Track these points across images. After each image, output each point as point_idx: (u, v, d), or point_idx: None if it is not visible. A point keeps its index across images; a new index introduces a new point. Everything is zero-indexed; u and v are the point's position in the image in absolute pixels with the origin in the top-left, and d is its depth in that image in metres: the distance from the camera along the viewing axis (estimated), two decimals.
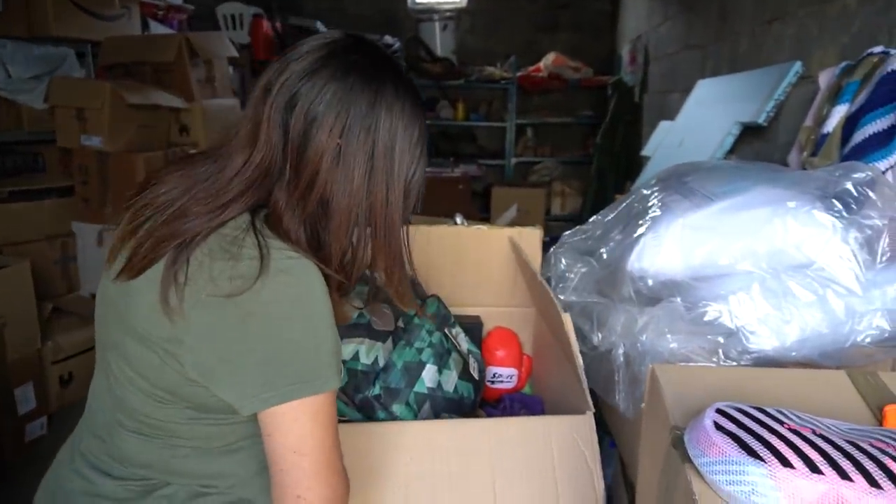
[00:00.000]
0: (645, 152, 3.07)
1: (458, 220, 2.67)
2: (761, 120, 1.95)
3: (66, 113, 2.70)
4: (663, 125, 2.98)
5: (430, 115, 5.13)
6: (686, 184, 1.22)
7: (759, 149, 2.09)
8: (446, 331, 1.24)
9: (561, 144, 5.29)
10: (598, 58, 5.04)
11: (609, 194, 3.83)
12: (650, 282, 1.08)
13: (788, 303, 0.96)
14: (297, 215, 0.71)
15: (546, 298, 1.12)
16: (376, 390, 1.08)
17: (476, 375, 1.25)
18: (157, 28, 3.67)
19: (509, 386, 1.45)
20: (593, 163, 4.54)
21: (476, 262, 1.42)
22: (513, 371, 1.44)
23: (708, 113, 2.41)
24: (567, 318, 1.01)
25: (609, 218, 1.40)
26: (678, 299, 1.03)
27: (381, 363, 1.10)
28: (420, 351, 1.14)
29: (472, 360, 1.26)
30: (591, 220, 1.48)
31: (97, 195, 2.75)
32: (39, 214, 2.68)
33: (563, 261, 1.38)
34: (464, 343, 1.28)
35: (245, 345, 0.66)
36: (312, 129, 0.71)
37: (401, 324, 1.17)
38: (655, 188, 1.30)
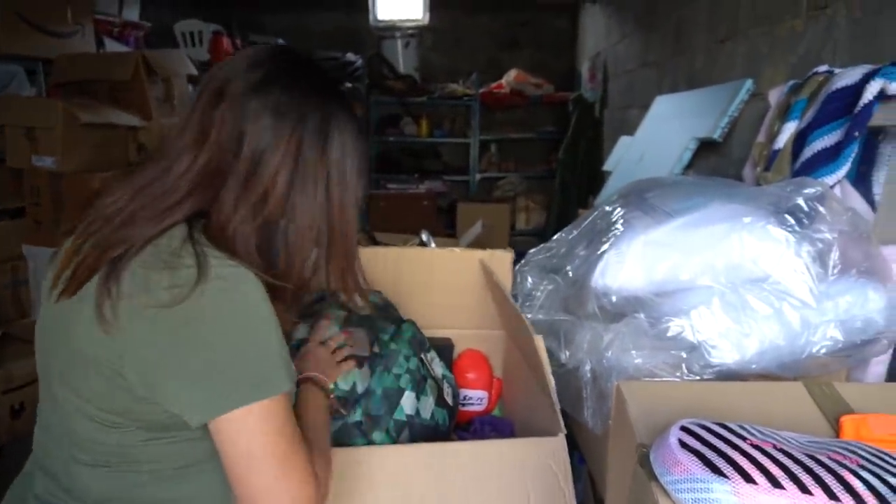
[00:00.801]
0: (606, 167, 3.13)
1: (424, 236, 2.68)
2: (716, 135, 2.01)
3: (16, 132, 2.62)
4: (623, 140, 3.04)
5: (394, 131, 5.14)
6: (646, 200, 1.24)
7: (716, 164, 2.15)
8: (422, 356, 1.22)
9: (524, 160, 5.35)
10: (559, 74, 5.13)
11: (573, 208, 3.88)
12: (614, 298, 1.09)
13: (747, 316, 0.98)
14: (247, 224, 0.72)
15: (517, 321, 1.12)
16: (357, 416, 1.06)
17: (450, 401, 1.24)
18: (112, 46, 3.60)
19: (479, 408, 1.44)
20: (556, 178, 4.61)
21: (446, 284, 1.41)
22: (483, 394, 1.43)
23: (666, 128, 2.47)
24: (539, 341, 1.01)
25: (573, 235, 1.42)
26: (642, 315, 1.04)
27: (360, 389, 1.08)
28: (398, 377, 1.13)
29: (446, 386, 1.25)
30: (555, 237, 1.50)
31: (49, 217, 2.66)
32: None
33: (529, 279, 1.39)
34: (438, 368, 1.26)
35: (186, 354, 0.65)
36: (268, 142, 0.72)
37: (376, 349, 1.15)
38: (617, 205, 1.32)
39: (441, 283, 1.41)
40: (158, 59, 3.10)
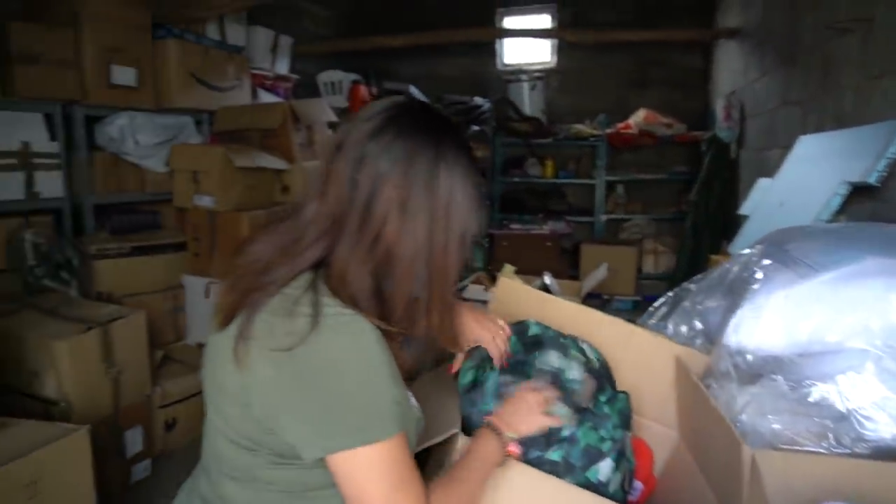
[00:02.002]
0: (743, 211, 2.94)
1: (547, 279, 2.66)
2: (873, 180, 1.83)
3: (183, 176, 2.96)
4: (762, 183, 2.86)
5: (518, 172, 5.19)
6: (788, 252, 1.16)
7: (872, 210, 1.96)
8: (626, 432, 1.17)
9: (652, 201, 5.17)
10: (691, 113, 4.94)
11: (704, 253, 3.68)
12: (749, 357, 1.03)
13: None
14: (363, 267, 0.75)
15: (720, 428, 0.98)
16: (555, 456, 1.04)
17: (627, 487, 1.18)
18: (265, 96, 3.99)
19: (631, 499, 1.36)
20: (687, 220, 4.40)
21: (633, 364, 1.32)
22: (638, 485, 1.35)
23: (811, 171, 2.29)
24: (748, 451, 0.84)
25: (703, 285, 1.35)
26: (780, 377, 0.97)
27: (567, 433, 1.05)
28: (602, 440, 1.08)
29: (628, 470, 1.18)
30: (682, 285, 1.44)
31: (206, 250, 2.96)
32: (156, 268, 2.91)
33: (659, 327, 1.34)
34: (628, 450, 1.19)
35: (301, 395, 0.70)
36: (379, 184, 0.75)
37: (590, 405, 1.12)
38: (754, 255, 1.24)
39: (630, 361, 1.32)
40: (303, 107, 3.39)
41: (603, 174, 5.00)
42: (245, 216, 2.87)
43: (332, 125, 3.88)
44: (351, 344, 0.71)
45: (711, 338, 1.25)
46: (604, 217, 5.11)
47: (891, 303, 0.92)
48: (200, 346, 3.01)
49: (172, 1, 3.25)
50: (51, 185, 2.69)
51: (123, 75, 2.93)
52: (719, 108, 4.29)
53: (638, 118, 4.81)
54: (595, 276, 2.89)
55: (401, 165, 0.75)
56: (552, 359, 1.12)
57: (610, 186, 5.13)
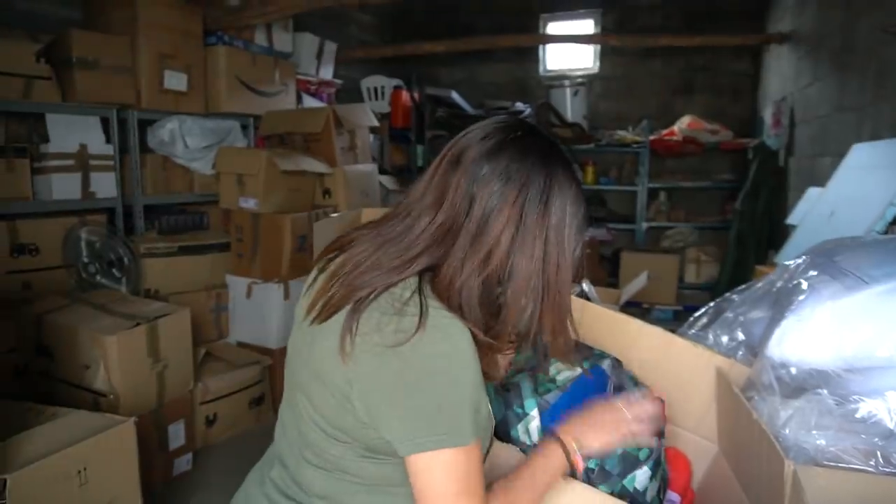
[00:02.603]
0: (791, 220, 2.86)
1: (585, 286, 2.63)
2: None
3: (229, 178, 3.04)
4: (812, 192, 2.77)
5: None
6: (836, 263, 1.12)
7: None
8: (661, 439, 1.14)
9: (696, 209, 5.07)
10: (738, 120, 4.83)
11: (749, 263, 3.58)
12: (794, 370, 1.00)
13: None
14: (473, 278, 0.79)
15: (764, 441, 0.94)
16: (592, 464, 1.02)
17: (662, 496, 1.16)
18: (309, 101, 4.07)
19: None
20: (732, 229, 4.29)
21: (673, 374, 1.30)
22: (676, 498, 1.32)
23: (865, 180, 2.21)
24: (791, 466, 0.82)
25: (746, 297, 1.32)
26: (825, 391, 0.94)
27: None
28: (639, 448, 1.07)
29: (662, 479, 1.16)
30: (724, 296, 1.41)
31: (249, 251, 3.03)
32: (201, 267, 3.00)
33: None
34: (663, 458, 1.17)
35: (401, 391, 0.74)
36: (496, 203, 0.80)
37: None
38: (801, 265, 1.21)
39: (668, 371, 1.29)
40: (345, 113, 3.45)
41: (645, 181, 4.92)
42: (288, 218, 2.93)
43: (373, 130, 3.92)
44: (451, 346, 0.75)
45: (754, 350, 1.22)
46: (645, 225, 5.03)
47: None
48: (241, 345, 3.08)
49: (223, 8, 3.36)
50: (105, 185, 2.81)
51: (175, 81, 3.03)
52: (768, 114, 4.19)
53: (682, 125, 4.73)
54: (635, 285, 2.85)
55: (517, 187, 0.80)
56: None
57: (652, 194, 5.05)
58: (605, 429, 0.93)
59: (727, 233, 4.45)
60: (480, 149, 0.82)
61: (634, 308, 4.40)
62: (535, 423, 1.08)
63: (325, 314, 0.80)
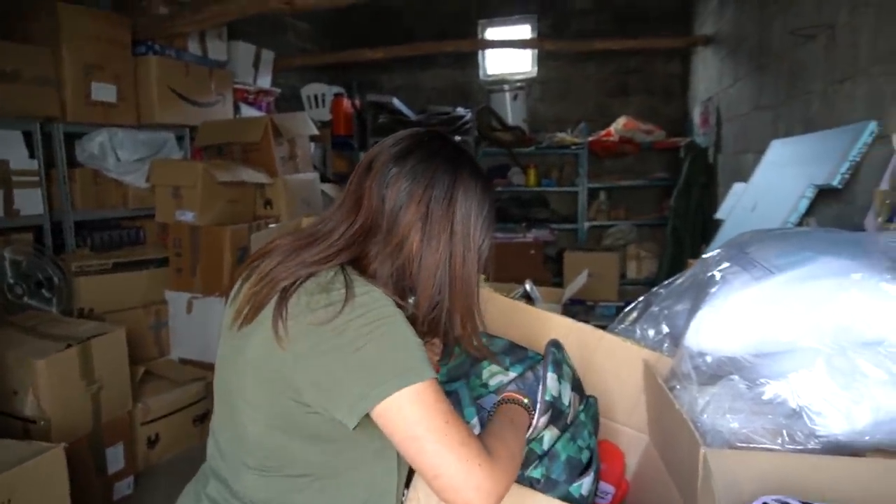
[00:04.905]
0: (719, 215, 2.99)
1: (528, 286, 2.68)
2: (836, 182, 1.88)
3: (164, 191, 2.97)
4: (737, 187, 2.90)
5: (502, 181, 5.23)
6: (747, 255, 1.19)
7: (838, 212, 2.00)
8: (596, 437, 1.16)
9: (635, 208, 5.23)
10: (670, 120, 5.02)
11: (685, 257, 3.72)
12: (709, 359, 1.05)
13: (858, 382, 0.91)
14: (386, 264, 0.86)
15: (684, 429, 0.97)
16: (536, 474, 1.02)
17: (595, 488, 1.13)
18: (247, 110, 4.00)
19: (603, 503, 1.36)
20: (668, 225, 4.45)
21: (602, 369, 1.34)
22: (610, 489, 1.34)
23: (782, 175, 2.34)
24: (704, 452, 0.86)
25: (671, 290, 1.38)
26: (737, 377, 0.99)
27: (545, 447, 1.03)
28: (581, 450, 1.07)
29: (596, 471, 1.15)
30: (652, 290, 1.46)
31: (188, 265, 2.97)
32: (138, 284, 2.92)
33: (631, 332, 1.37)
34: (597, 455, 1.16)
35: (342, 358, 0.76)
36: (404, 201, 0.87)
37: (571, 416, 1.09)
38: (716, 258, 1.27)
39: (600, 366, 1.33)
40: (284, 122, 3.41)
41: (585, 182, 5.05)
42: (227, 231, 2.88)
43: (314, 138, 3.90)
44: (382, 306, 0.78)
45: (677, 341, 1.28)
46: (587, 224, 5.15)
47: (839, 302, 0.95)
48: (184, 361, 3.00)
49: (152, 17, 3.27)
50: (30, 202, 2.69)
51: (103, 92, 2.94)
52: (696, 114, 4.36)
53: (618, 126, 4.87)
54: (576, 283, 2.92)
55: (423, 186, 0.87)
56: (551, 384, 1.03)
57: (592, 193, 5.18)
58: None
59: (664, 229, 4.60)
60: (390, 153, 0.90)
61: (579, 306, 4.50)
62: (476, 431, 1.08)
63: (252, 312, 0.83)
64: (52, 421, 2.02)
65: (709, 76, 4.21)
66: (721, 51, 3.88)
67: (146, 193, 3.14)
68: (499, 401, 0.98)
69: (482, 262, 0.93)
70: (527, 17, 5.43)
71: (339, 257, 0.84)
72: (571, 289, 2.96)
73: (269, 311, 0.80)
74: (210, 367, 2.92)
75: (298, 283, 0.81)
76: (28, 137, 2.72)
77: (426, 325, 0.89)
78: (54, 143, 2.82)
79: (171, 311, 3.01)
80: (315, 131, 3.71)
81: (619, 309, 4.49)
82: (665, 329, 1.33)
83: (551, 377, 1.02)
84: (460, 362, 1.16)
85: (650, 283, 4.63)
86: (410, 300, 0.89)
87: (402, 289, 0.88)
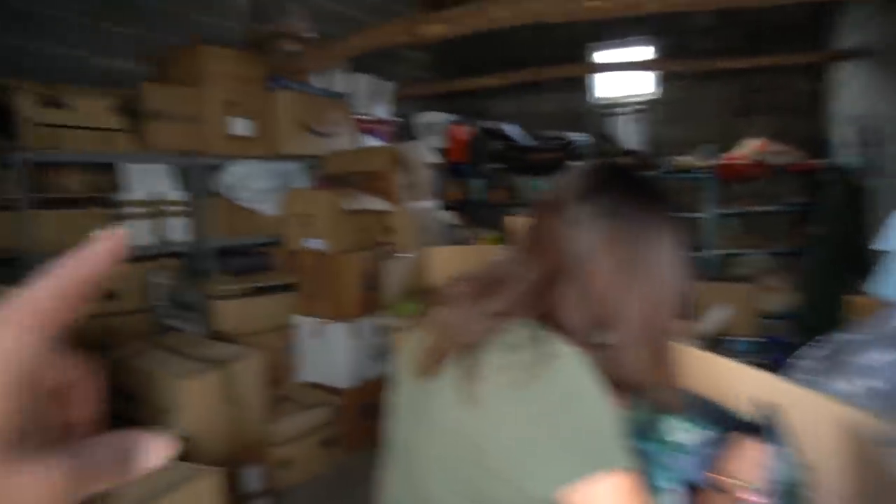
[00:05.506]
0: (880, 246, 2.69)
1: None
2: None
3: (295, 220, 3.08)
4: None
5: None
6: None
7: None
8: None
9: (765, 235, 4.87)
10: (802, 140, 4.65)
11: (831, 291, 3.38)
12: None
13: None
14: (577, 316, 0.78)
15: None
16: None
17: None
18: (367, 140, 4.13)
19: None
20: (808, 255, 4.09)
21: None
22: None
23: None
24: None
25: (862, 335, 1.22)
26: None
27: None
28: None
29: None
30: (835, 336, 1.30)
31: (316, 291, 3.05)
32: (270, 308, 3.03)
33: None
34: None
35: (535, 427, 0.69)
36: (592, 244, 0.79)
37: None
38: None
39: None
40: (406, 151, 3.47)
41: (713, 207, 4.76)
42: (353, 258, 2.94)
43: (432, 166, 3.94)
44: (584, 376, 0.71)
45: (884, 396, 1.11)
46: (715, 252, 4.85)
47: None
48: (311, 384, 3.07)
49: (283, 54, 3.46)
50: (177, 230, 2.89)
51: (241, 126, 3.12)
52: (842, 133, 4.01)
53: (749, 147, 4.57)
54: (715, 318, 2.72)
55: (613, 224, 0.79)
56: (787, 469, 0.92)
57: (720, 220, 4.88)
58: (756, 462, 0.87)
59: (799, 258, 4.24)
60: (573, 190, 0.83)
61: (707, 340, 4.21)
62: (673, 497, 0.97)
63: (433, 366, 0.77)
64: (196, 440, 2.11)
65: (855, 92, 3.86)
66: (871, 64, 3.55)
67: (275, 221, 3.28)
68: (711, 482, 0.86)
69: (680, 303, 0.83)
70: (643, 38, 5.27)
71: (526, 308, 0.77)
72: (710, 324, 2.76)
73: (453, 367, 0.75)
74: (336, 392, 2.96)
75: (486, 339, 0.74)
76: (176, 170, 2.92)
77: (618, 374, 0.80)
78: (198, 175, 3.02)
79: (298, 336, 3.10)
80: (435, 160, 3.76)
81: (758, 345, 4.14)
82: (865, 382, 1.17)
83: (785, 457, 0.90)
84: (639, 416, 1.07)
85: (791, 317, 4.26)
86: (603, 347, 0.81)
87: (595, 339, 0.80)
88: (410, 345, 0.87)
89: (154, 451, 0.26)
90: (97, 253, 0.26)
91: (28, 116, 2.35)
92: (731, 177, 4.66)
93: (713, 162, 4.65)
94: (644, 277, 0.79)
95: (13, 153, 2.36)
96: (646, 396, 0.86)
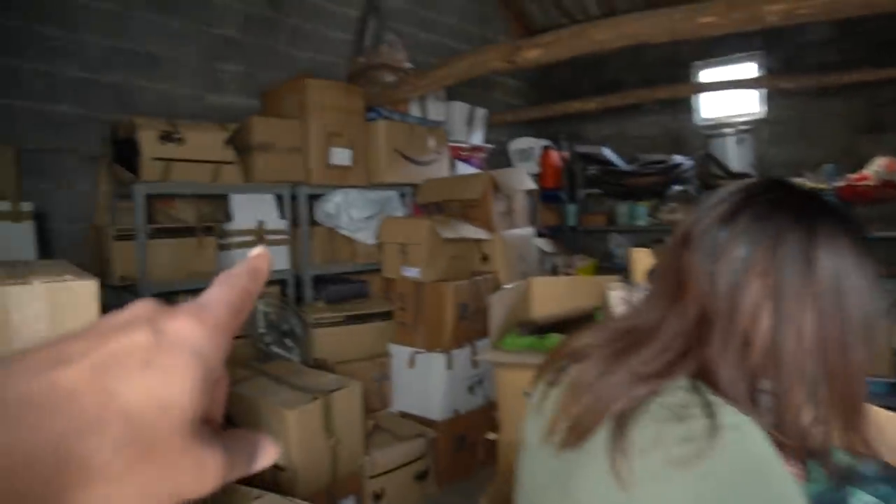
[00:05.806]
0: None
1: None
2: None
3: (392, 248, 3.08)
4: None
5: None
6: None
7: None
8: None
9: (893, 262, 4.39)
10: None
11: None
12: None
13: None
14: (735, 371, 0.64)
15: None
16: None
17: None
18: (461, 167, 4.11)
19: None
20: None
21: None
22: None
23: None
24: None
25: None
26: None
27: None
28: None
29: None
30: None
31: (412, 320, 3.02)
32: (365, 336, 3.03)
33: None
34: None
35: None
36: (742, 273, 0.65)
37: None
38: None
39: None
40: (503, 178, 3.41)
41: None
42: (450, 286, 2.89)
43: (529, 192, 3.86)
44: (759, 449, 0.59)
45: None
46: None
47: None
48: (404, 414, 3.03)
49: (381, 84, 3.52)
50: (279, 258, 2.95)
51: (341, 156, 3.18)
52: None
53: (877, 166, 4.17)
54: None
55: (765, 250, 0.65)
56: None
57: None
58: None
59: None
60: (712, 216, 0.69)
61: None
62: None
63: (577, 435, 0.66)
64: (297, 471, 2.10)
65: None
66: None
67: (372, 249, 3.30)
68: None
69: (871, 341, 0.66)
70: (751, 54, 4.97)
71: (680, 365, 0.65)
72: None
73: (600, 439, 0.64)
74: (429, 423, 2.89)
75: (639, 406, 0.63)
76: (279, 200, 3.01)
77: (793, 437, 0.65)
78: (299, 204, 3.09)
79: (393, 365, 3.07)
80: (532, 186, 3.67)
81: (888, 386, 3.72)
82: None
83: None
84: (817, 489, 0.92)
85: None
86: (771, 405, 0.68)
87: (758, 404, 0.66)
88: (540, 403, 0.77)
89: (268, 453, 0.29)
90: (254, 270, 0.29)
91: (147, 150, 2.49)
92: (856, 199, 4.25)
93: (835, 184, 4.27)
94: (809, 309, 0.64)
95: (135, 185, 2.50)
96: (827, 464, 0.71)
